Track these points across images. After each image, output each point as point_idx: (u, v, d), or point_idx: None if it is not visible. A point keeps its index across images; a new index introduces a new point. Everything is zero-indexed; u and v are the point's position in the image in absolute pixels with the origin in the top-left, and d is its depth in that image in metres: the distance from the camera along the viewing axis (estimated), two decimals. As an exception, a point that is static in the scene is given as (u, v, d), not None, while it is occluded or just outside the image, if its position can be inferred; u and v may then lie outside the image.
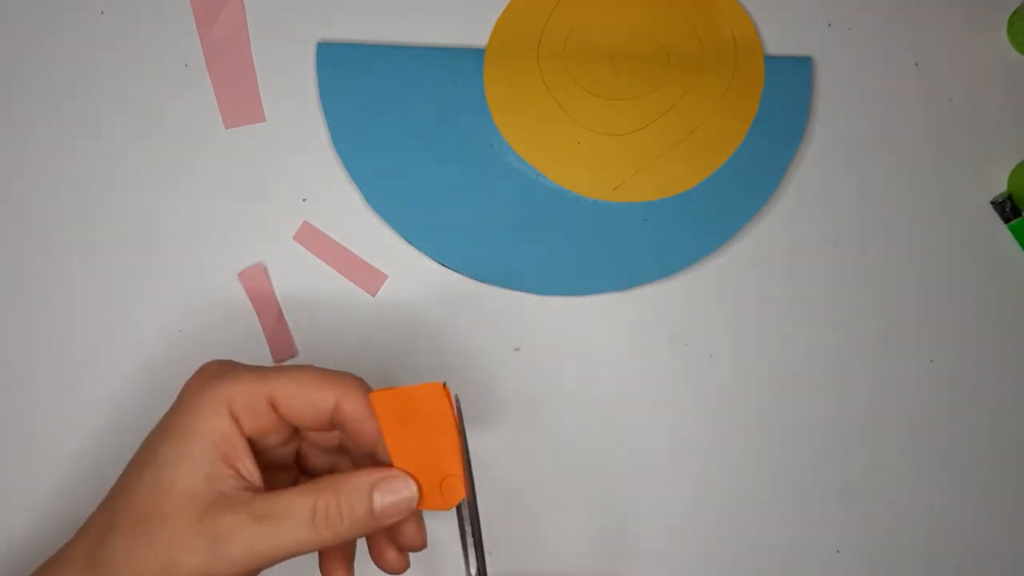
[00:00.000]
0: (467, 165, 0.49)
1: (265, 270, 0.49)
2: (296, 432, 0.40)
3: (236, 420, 0.37)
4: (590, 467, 0.49)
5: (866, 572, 0.49)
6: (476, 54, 0.50)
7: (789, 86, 0.50)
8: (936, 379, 0.50)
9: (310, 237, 0.49)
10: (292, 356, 0.48)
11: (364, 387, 0.38)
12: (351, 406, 0.37)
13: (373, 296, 0.49)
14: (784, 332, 0.50)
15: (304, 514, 0.36)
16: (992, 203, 0.51)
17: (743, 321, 0.50)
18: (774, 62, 0.50)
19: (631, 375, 0.49)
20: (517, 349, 0.49)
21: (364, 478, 0.36)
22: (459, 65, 0.50)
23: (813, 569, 0.49)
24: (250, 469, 0.37)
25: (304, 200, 0.49)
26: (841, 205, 0.51)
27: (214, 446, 0.36)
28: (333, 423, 0.38)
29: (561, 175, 0.49)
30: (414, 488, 0.37)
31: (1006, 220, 0.51)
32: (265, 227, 0.49)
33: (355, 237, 0.49)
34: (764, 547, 0.49)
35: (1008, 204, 0.50)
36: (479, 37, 0.50)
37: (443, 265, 0.49)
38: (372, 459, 0.39)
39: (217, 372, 0.37)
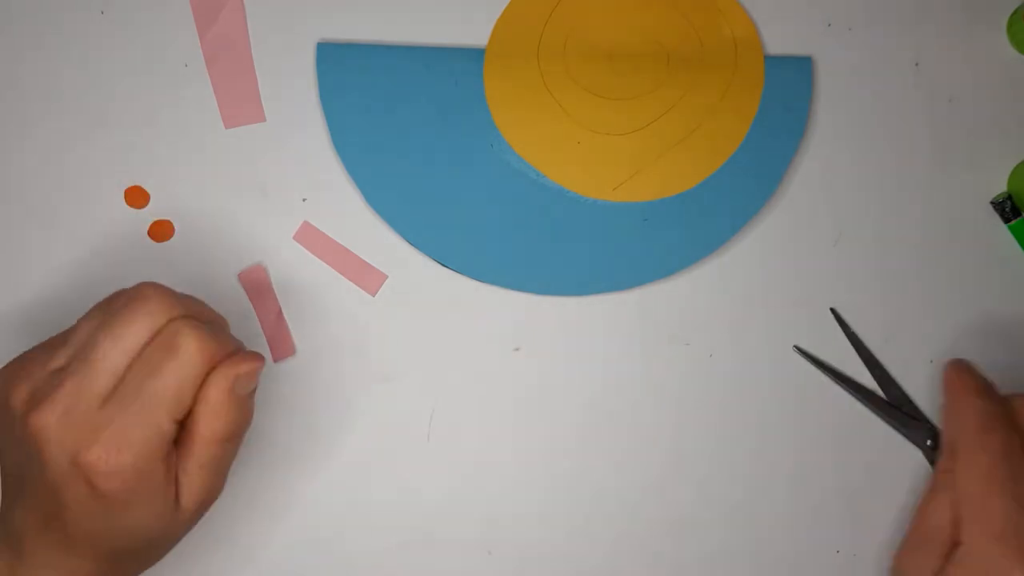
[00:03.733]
0: (467, 165, 0.49)
1: (265, 270, 0.49)
2: None
3: (158, 454, 0.39)
4: (590, 467, 0.49)
5: (866, 572, 0.49)
6: (476, 54, 0.50)
7: (789, 86, 0.50)
8: (936, 379, 0.50)
9: (310, 237, 0.49)
10: (291, 355, 0.48)
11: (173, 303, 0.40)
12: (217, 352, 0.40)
13: (373, 296, 0.49)
14: (784, 332, 0.50)
15: (226, 429, 0.40)
16: (992, 203, 0.51)
17: (743, 321, 0.50)
18: (774, 62, 0.50)
19: (631, 375, 0.49)
20: (517, 349, 0.49)
21: (226, 377, 0.39)
22: (459, 65, 0.50)
23: (813, 569, 0.49)
24: (168, 452, 0.39)
25: (304, 200, 0.49)
26: (841, 205, 0.51)
27: (165, 467, 0.39)
28: None
29: (561, 175, 0.49)
30: (251, 363, 0.40)
31: (1006, 220, 0.51)
32: (265, 227, 0.49)
33: (355, 237, 0.49)
34: (764, 547, 0.49)
35: (1008, 204, 0.50)
36: (479, 37, 0.50)
37: (443, 265, 0.49)
38: None
39: (119, 446, 0.38)
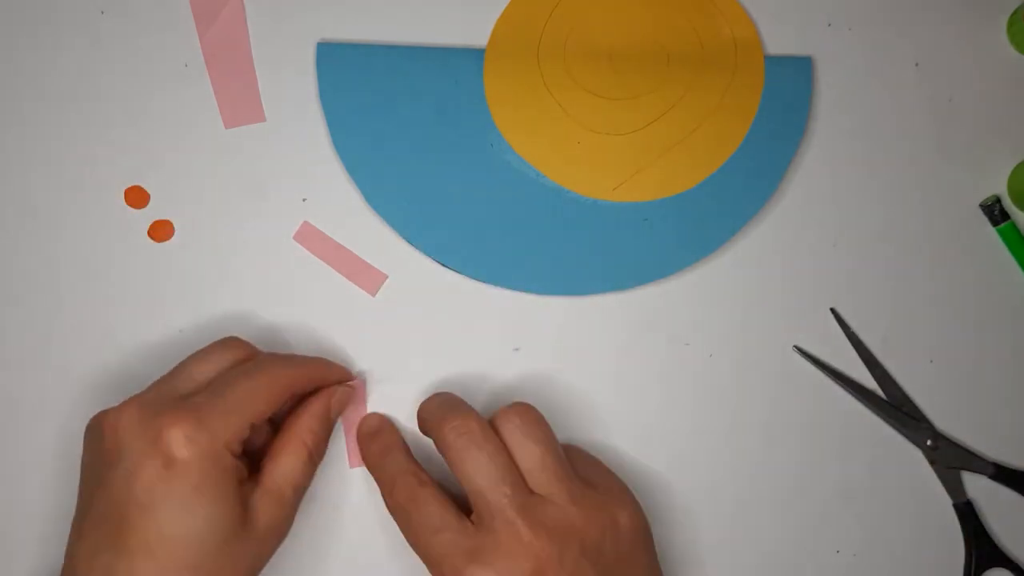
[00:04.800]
0: (467, 165, 0.49)
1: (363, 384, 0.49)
2: None
3: (233, 453, 0.41)
4: (590, 467, 0.49)
5: (866, 572, 0.49)
6: (476, 54, 0.50)
7: (789, 86, 0.50)
8: (936, 379, 0.50)
9: (310, 237, 0.49)
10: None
11: (269, 354, 0.46)
12: (297, 390, 0.44)
13: (373, 296, 0.49)
14: (784, 332, 0.50)
15: (308, 464, 0.43)
16: (981, 206, 0.51)
17: (743, 321, 0.50)
18: (774, 62, 0.50)
19: (631, 375, 0.49)
20: (517, 349, 0.49)
21: (321, 405, 0.45)
22: (459, 65, 0.50)
23: (813, 569, 0.49)
24: (242, 468, 0.42)
25: (304, 200, 0.49)
26: (841, 205, 0.51)
27: (232, 480, 0.40)
28: None
29: (561, 175, 0.49)
30: (348, 389, 0.46)
31: (995, 223, 0.51)
32: (265, 227, 0.49)
33: (355, 237, 0.49)
34: (764, 546, 0.49)
35: (997, 207, 0.50)
36: (479, 37, 0.50)
37: (443, 265, 0.49)
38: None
39: (194, 424, 0.40)
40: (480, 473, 0.41)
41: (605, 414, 0.49)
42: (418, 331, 0.49)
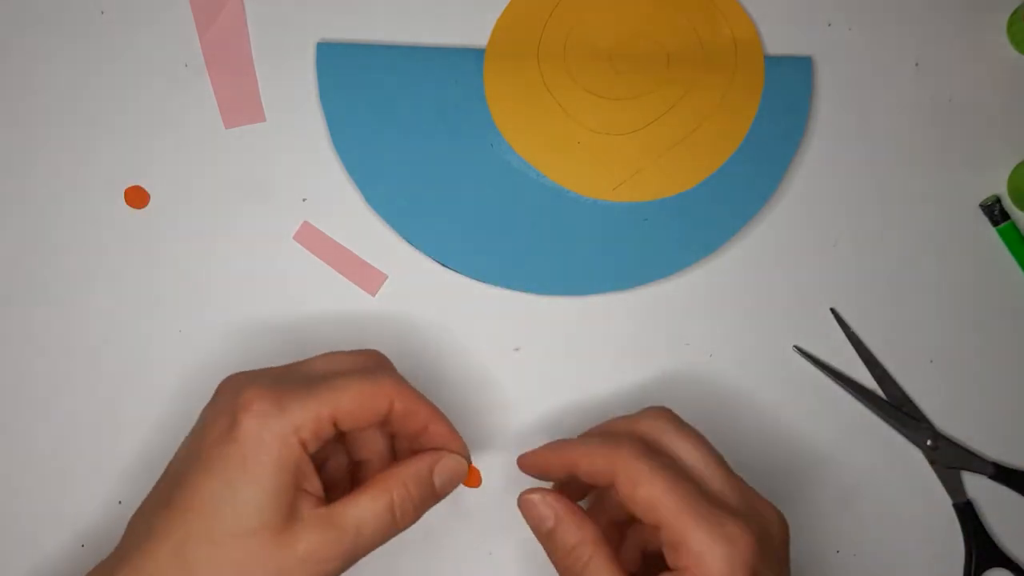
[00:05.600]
0: (467, 165, 0.49)
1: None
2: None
3: (304, 446, 0.38)
4: (590, 467, 0.49)
5: (866, 572, 0.49)
6: (476, 54, 0.50)
7: (789, 86, 0.50)
8: (936, 379, 0.50)
9: (310, 237, 0.49)
10: None
11: (402, 381, 0.40)
12: (401, 405, 0.40)
13: (373, 296, 0.49)
14: (784, 332, 0.50)
15: (384, 513, 0.39)
16: (981, 206, 0.51)
17: (743, 321, 0.50)
18: (774, 62, 0.50)
19: (631, 375, 0.49)
20: (517, 349, 0.49)
21: (423, 463, 0.40)
22: (459, 65, 0.50)
23: (813, 569, 0.49)
24: (317, 486, 0.39)
25: (304, 200, 0.49)
26: (841, 205, 0.51)
27: (288, 474, 0.37)
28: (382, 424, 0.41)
29: (561, 175, 0.49)
30: (463, 462, 0.41)
31: (995, 223, 0.51)
32: (265, 227, 0.49)
33: (355, 237, 0.49)
34: (764, 547, 0.49)
35: (997, 207, 0.50)
36: (479, 37, 0.50)
37: (443, 265, 0.49)
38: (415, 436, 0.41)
39: (272, 399, 0.38)
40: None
41: (605, 414, 0.49)
42: (418, 331, 0.49)
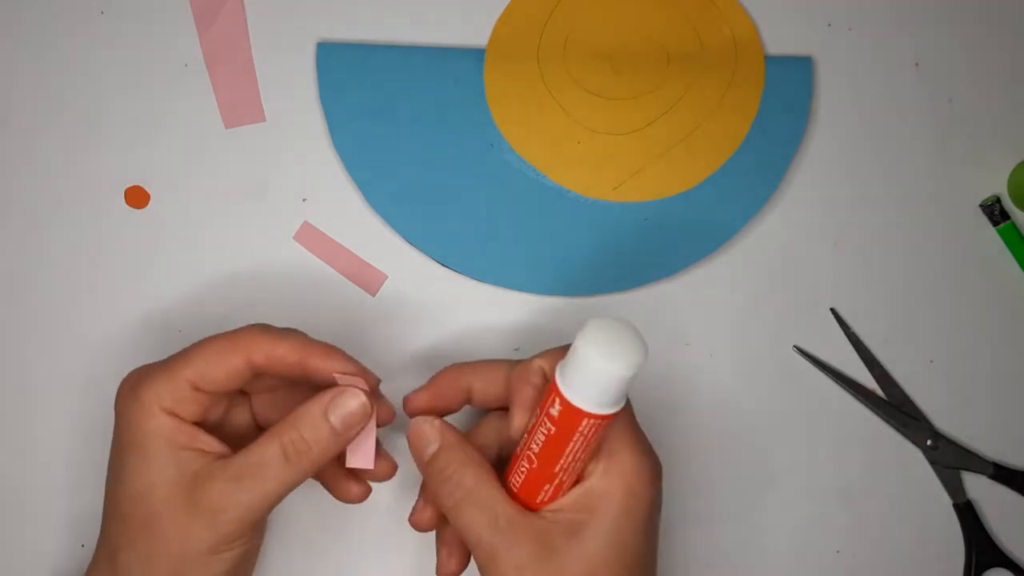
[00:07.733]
0: (467, 165, 0.49)
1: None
2: (240, 394, 0.43)
3: (173, 413, 0.39)
4: (590, 467, 0.49)
5: (866, 572, 0.49)
6: (476, 54, 0.50)
7: (789, 86, 0.50)
8: (936, 379, 0.50)
9: (310, 237, 0.49)
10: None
11: (265, 330, 0.41)
12: (261, 356, 0.40)
13: (373, 296, 0.49)
14: (784, 332, 0.50)
15: (277, 457, 0.39)
16: (981, 206, 0.51)
17: (743, 321, 0.50)
18: (774, 62, 0.50)
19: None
20: (517, 349, 0.49)
21: (315, 405, 0.39)
22: (459, 65, 0.50)
23: (813, 569, 0.49)
24: (210, 443, 0.40)
25: (304, 200, 0.49)
26: (841, 205, 0.51)
27: (168, 442, 0.39)
28: (257, 376, 0.41)
29: (561, 175, 0.49)
30: (362, 396, 0.40)
31: (995, 223, 0.51)
32: (265, 227, 0.49)
33: (355, 237, 0.49)
34: (764, 547, 0.49)
35: (997, 207, 0.50)
36: (479, 37, 0.50)
37: (443, 265, 0.49)
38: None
39: (137, 379, 0.40)
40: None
41: (605, 414, 0.49)
42: (418, 331, 0.49)
